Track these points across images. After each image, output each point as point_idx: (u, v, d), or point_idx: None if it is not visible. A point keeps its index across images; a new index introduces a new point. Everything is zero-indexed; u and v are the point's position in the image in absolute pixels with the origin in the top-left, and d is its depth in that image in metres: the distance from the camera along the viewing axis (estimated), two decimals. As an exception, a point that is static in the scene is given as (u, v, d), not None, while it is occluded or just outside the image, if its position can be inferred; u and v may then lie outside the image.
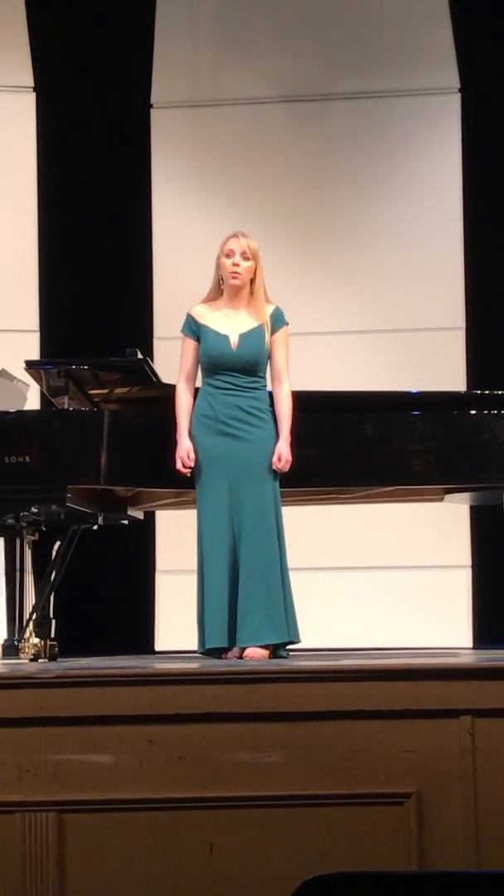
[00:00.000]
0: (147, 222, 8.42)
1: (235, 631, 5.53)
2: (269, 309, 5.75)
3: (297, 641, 5.65)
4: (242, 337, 5.69)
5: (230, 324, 5.72)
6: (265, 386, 5.75)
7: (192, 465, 5.65)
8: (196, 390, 5.77)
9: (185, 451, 5.66)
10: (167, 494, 6.19)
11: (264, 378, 5.75)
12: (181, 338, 5.80)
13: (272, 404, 5.72)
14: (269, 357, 5.73)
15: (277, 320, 5.74)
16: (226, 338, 5.69)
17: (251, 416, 5.67)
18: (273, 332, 5.72)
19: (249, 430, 5.66)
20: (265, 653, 5.51)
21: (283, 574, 5.62)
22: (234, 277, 5.70)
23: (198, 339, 5.73)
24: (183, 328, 5.78)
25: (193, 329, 5.75)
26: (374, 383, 7.27)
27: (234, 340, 5.69)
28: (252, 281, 5.72)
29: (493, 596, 7.97)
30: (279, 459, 5.63)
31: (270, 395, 5.75)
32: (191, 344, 5.76)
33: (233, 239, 5.73)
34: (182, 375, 5.76)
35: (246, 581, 5.54)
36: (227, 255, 5.72)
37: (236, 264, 5.69)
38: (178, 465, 5.66)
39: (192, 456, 5.65)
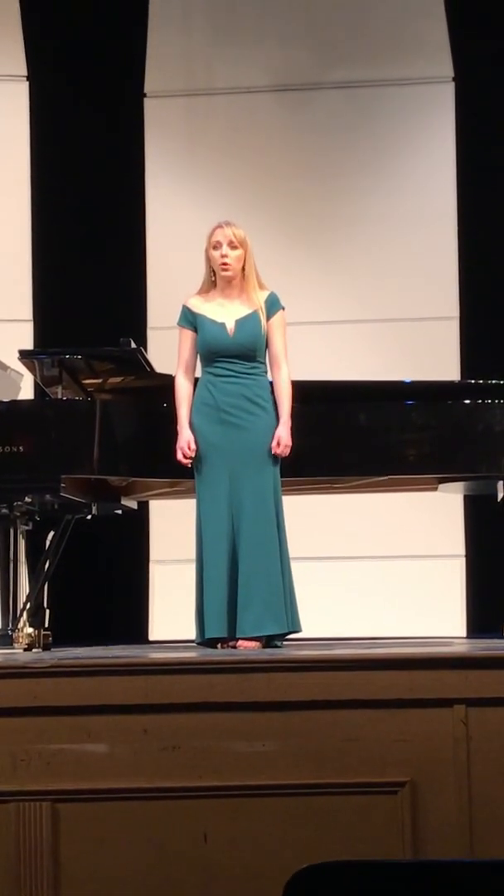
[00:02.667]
0: (140, 212, 8.41)
1: (235, 621, 5.52)
2: (264, 294, 5.74)
3: (299, 630, 5.64)
4: (239, 323, 5.69)
5: (226, 311, 5.71)
6: (265, 373, 5.74)
7: (193, 455, 5.65)
8: (196, 381, 5.76)
9: (185, 442, 5.65)
10: (161, 484, 6.19)
11: (264, 364, 5.74)
12: (177, 330, 5.79)
13: (273, 391, 5.72)
14: (267, 342, 5.72)
15: (273, 305, 5.74)
16: (222, 325, 5.69)
17: (252, 405, 5.66)
18: (269, 317, 5.71)
19: (250, 419, 5.65)
20: (258, 643, 5.50)
21: (283, 563, 5.61)
22: (224, 269, 5.69)
23: (195, 330, 5.73)
24: (179, 320, 5.78)
25: (190, 320, 5.74)
26: (368, 373, 7.27)
27: (230, 327, 5.68)
28: (243, 268, 5.73)
29: (487, 585, 7.97)
30: (278, 444, 5.63)
31: (272, 383, 5.74)
32: (188, 335, 5.75)
33: (218, 230, 5.73)
34: (181, 367, 5.75)
35: (246, 571, 5.53)
36: (215, 247, 5.72)
37: (225, 255, 5.69)
38: (179, 456, 5.65)
39: (193, 447, 5.64)
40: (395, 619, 7.90)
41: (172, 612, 7.64)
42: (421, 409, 6.01)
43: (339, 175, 8.37)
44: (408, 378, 6.49)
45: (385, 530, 8.05)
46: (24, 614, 5.91)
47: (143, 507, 7.62)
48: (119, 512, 6.43)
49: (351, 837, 4.16)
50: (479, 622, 7.92)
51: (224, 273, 5.70)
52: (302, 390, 5.81)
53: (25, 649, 5.79)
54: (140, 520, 7.86)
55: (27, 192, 8.39)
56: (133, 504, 6.50)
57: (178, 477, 5.86)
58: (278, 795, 4.20)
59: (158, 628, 8.10)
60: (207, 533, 5.60)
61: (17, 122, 8.41)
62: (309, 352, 7.40)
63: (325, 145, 8.39)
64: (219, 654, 5.25)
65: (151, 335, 8.13)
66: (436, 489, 6.40)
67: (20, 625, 5.94)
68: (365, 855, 4.09)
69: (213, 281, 5.76)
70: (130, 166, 8.41)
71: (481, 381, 6.30)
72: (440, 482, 6.31)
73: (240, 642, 5.50)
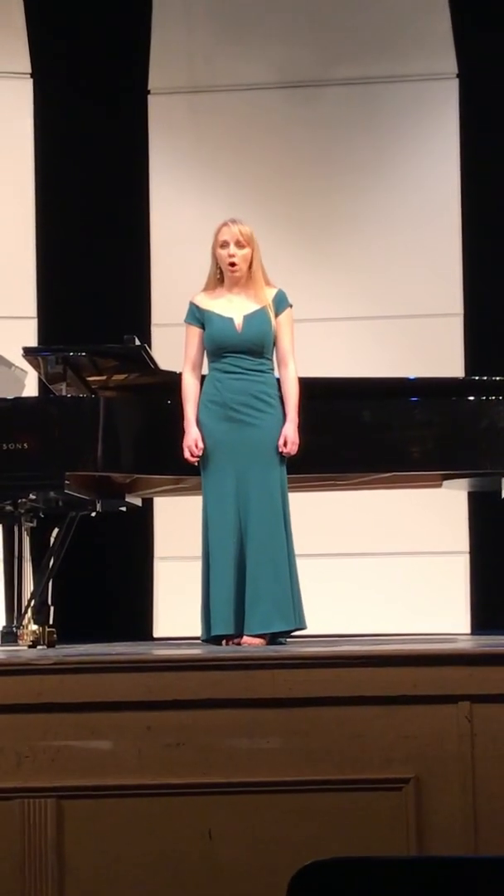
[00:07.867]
0: (144, 208, 8.42)
1: (242, 618, 5.51)
2: (272, 292, 5.73)
3: (304, 628, 5.64)
4: (247, 319, 5.67)
5: (233, 307, 5.69)
6: (272, 369, 5.73)
7: (201, 454, 5.64)
8: (203, 377, 5.75)
9: (192, 441, 5.63)
10: (166, 481, 6.19)
11: (271, 361, 5.72)
12: (183, 326, 5.77)
13: (280, 388, 5.71)
14: (275, 339, 5.71)
15: (281, 302, 5.72)
16: (230, 320, 5.67)
17: (259, 402, 5.65)
18: (277, 314, 5.70)
19: (257, 416, 5.64)
20: (263, 640, 5.50)
21: (290, 560, 5.60)
22: (232, 269, 5.67)
23: (202, 327, 5.70)
24: (186, 317, 5.75)
25: (197, 316, 5.72)
26: (372, 370, 7.26)
27: (238, 322, 5.67)
28: (250, 265, 5.71)
29: (491, 582, 7.97)
30: (285, 442, 5.62)
31: (278, 380, 5.74)
32: (195, 332, 5.73)
33: (225, 228, 5.70)
34: (188, 364, 5.73)
35: (254, 568, 5.52)
36: (222, 246, 5.69)
37: (232, 255, 5.66)
38: (186, 455, 5.63)
39: (201, 445, 5.62)
40: (399, 616, 7.90)
41: (177, 608, 7.65)
42: (425, 405, 6.00)
43: (343, 171, 8.37)
44: (412, 375, 6.49)
45: (389, 527, 8.05)
46: (29, 611, 5.92)
47: (148, 504, 7.62)
48: (123, 509, 6.43)
49: (355, 834, 4.16)
50: (483, 618, 7.92)
51: (233, 274, 5.68)
52: (306, 387, 5.80)
53: (30, 646, 5.79)
54: (144, 517, 7.86)
55: (31, 189, 8.40)
56: (137, 501, 6.50)
57: (183, 474, 5.85)
58: (282, 792, 4.20)
59: (163, 625, 8.10)
60: (214, 530, 5.59)
61: (22, 120, 8.42)
62: (313, 348, 7.39)
63: (328, 142, 8.39)
64: (223, 650, 5.25)
65: (155, 332, 8.13)
66: (440, 486, 6.40)
67: (25, 622, 5.95)
68: (369, 851, 4.09)
69: (220, 278, 5.75)
70: (134, 163, 8.42)
71: (485, 378, 6.29)
72: (444, 479, 6.31)
73: (244, 639, 5.49)
